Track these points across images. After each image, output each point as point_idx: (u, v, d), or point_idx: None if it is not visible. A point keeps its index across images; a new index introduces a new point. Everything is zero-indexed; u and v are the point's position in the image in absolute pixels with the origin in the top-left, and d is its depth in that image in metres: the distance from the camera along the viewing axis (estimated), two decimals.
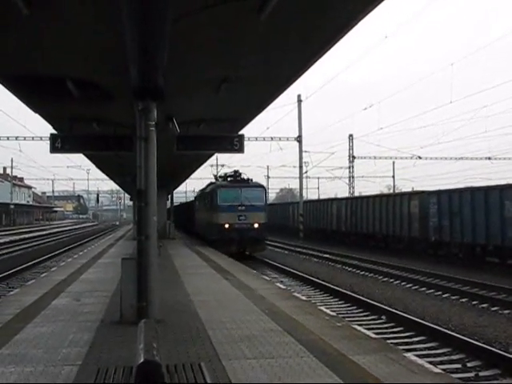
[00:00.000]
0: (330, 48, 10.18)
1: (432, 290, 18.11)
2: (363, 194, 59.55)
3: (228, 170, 33.83)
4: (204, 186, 38.09)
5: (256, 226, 27.82)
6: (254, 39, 9.39)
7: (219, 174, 34.12)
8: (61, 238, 52.30)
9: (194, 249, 28.47)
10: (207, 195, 32.03)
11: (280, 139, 46.65)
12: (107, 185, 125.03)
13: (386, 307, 14.29)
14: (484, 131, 74.06)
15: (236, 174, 30.61)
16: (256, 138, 45.10)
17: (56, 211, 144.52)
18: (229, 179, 30.59)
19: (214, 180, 36.27)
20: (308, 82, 29.56)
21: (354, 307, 15.17)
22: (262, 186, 30.21)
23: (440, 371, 7.05)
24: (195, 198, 43.88)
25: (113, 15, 7.45)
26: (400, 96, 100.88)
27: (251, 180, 30.21)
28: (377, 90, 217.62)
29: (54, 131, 16.71)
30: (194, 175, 43.54)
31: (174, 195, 48.52)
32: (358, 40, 39.05)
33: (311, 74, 15.69)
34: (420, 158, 53.36)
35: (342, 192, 71.67)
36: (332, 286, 18.19)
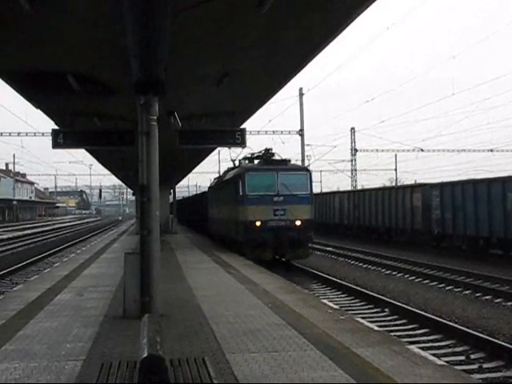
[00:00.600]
0: (330, 41, 10.15)
1: (435, 283, 18.11)
2: (366, 186, 59.57)
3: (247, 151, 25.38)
4: (222, 173, 30.37)
5: (298, 223, 20.69)
6: (254, 33, 9.38)
7: (244, 156, 25.28)
8: (64, 233, 52.38)
9: (196, 243, 28.49)
10: (229, 183, 24.29)
11: (282, 133, 46.53)
12: (110, 180, 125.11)
13: (389, 300, 14.30)
14: (486, 123, 74.07)
15: (268, 152, 22.94)
16: (258, 132, 44.99)
17: (58, 207, 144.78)
18: (256, 162, 23.34)
19: (232, 166, 27.35)
20: (310, 76, 29.42)
21: (357, 300, 15.18)
22: (305, 169, 22.60)
23: (443, 363, 7.04)
24: (209, 188, 34.79)
25: (114, 9, 7.44)
26: (402, 89, 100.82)
27: (289, 161, 22.79)
28: (378, 84, 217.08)
29: (56, 126, 16.74)
30: (196, 169, 43.61)
31: (177, 190, 48.52)
32: (359, 32, 38.97)
33: (313, 68, 15.69)
34: (422, 150, 53.21)
35: (345, 185, 71.69)
36: (335, 279, 18.20)
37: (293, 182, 21.10)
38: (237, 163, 26.21)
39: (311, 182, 21.74)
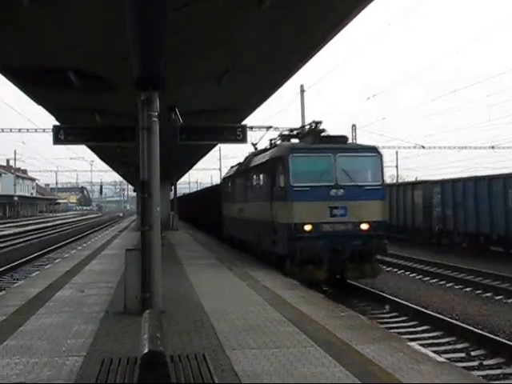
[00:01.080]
0: (331, 38, 10.15)
1: (436, 280, 18.10)
2: None
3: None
4: (244, 159, 22.28)
5: (365, 227, 14.68)
6: (255, 30, 9.37)
7: (280, 133, 19.13)
8: (65, 229, 52.39)
9: (198, 240, 28.48)
10: (259, 170, 17.83)
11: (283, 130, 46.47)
12: (111, 176, 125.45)
13: (389, 297, 14.29)
14: (488, 120, 74.00)
15: (317, 126, 16.31)
16: (259, 128, 44.95)
17: (59, 203, 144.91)
18: (297, 141, 17.21)
19: (257, 150, 20.96)
20: (311, 72, 29.31)
21: (357, 297, 15.15)
22: (375, 150, 15.59)
23: (444, 360, 7.05)
24: (224, 179, 27.07)
25: (113, 5, 7.43)
26: (402, 86, 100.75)
27: (347, 139, 16.06)
28: (379, 81, 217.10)
29: (57, 123, 16.74)
30: (197, 166, 43.59)
31: (178, 186, 48.47)
32: (359, 30, 38.88)
33: (314, 65, 15.66)
34: (423, 147, 53.13)
35: None
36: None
37: (357, 168, 15.25)
38: (259, 147, 20.91)
39: (383, 168, 15.48)
